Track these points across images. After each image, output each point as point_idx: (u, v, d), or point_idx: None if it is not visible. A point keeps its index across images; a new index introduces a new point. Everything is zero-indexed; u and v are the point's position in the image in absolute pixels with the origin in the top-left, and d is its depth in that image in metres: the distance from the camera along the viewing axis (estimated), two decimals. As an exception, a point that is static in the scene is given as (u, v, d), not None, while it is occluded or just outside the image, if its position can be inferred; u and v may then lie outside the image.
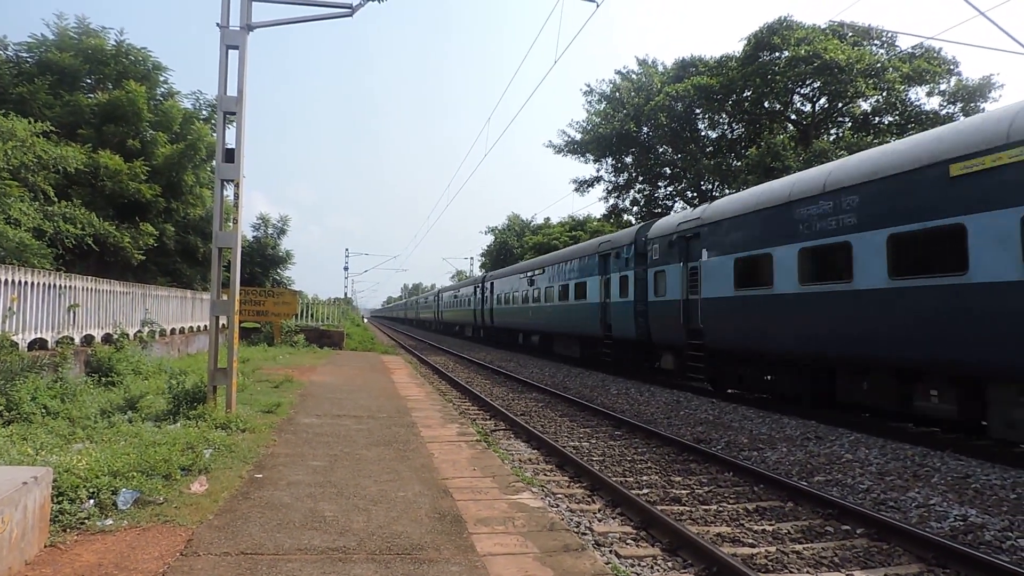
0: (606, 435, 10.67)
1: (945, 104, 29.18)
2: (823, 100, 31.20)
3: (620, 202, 43.39)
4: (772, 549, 5.50)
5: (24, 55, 18.63)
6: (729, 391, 14.68)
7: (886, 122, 30.73)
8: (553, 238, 51.01)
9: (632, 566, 5.15)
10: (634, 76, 40.44)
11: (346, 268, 64.19)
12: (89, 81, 19.73)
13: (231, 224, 9.34)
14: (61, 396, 8.72)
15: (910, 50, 28.87)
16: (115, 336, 12.98)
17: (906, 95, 29.48)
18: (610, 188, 43.21)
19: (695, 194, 37.72)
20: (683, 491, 7.35)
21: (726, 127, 36.89)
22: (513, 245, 60.99)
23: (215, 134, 10.93)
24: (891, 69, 28.02)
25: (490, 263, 63.30)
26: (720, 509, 6.67)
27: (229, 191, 9.75)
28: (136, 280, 16.70)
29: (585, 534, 5.82)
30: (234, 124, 9.37)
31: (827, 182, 10.74)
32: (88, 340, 12.31)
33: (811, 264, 11.01)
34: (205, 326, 20.29)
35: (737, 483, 7.72)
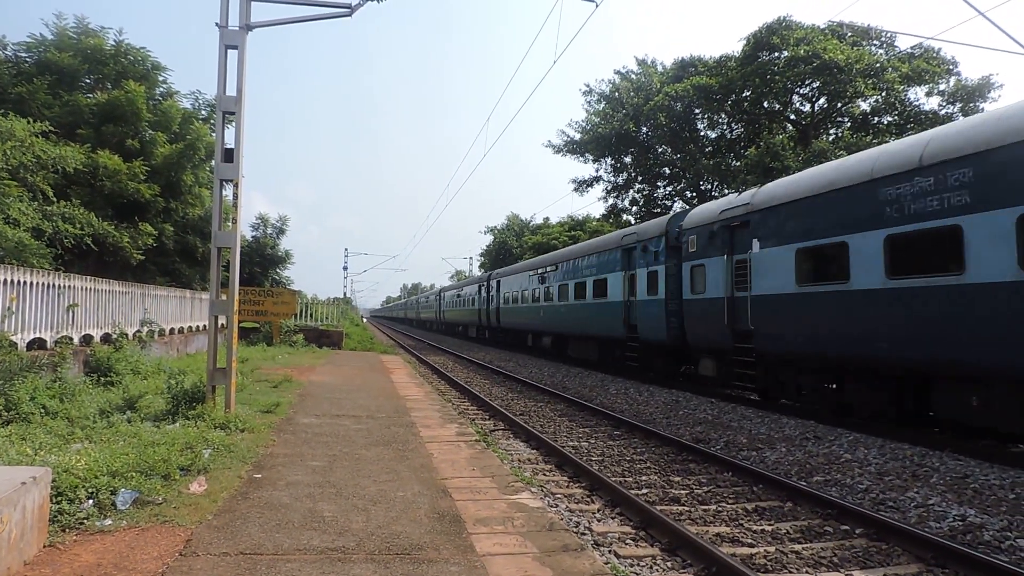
0: (605, 435, 10.67)
1: (944, 104, 29.22)
2: (822, 100, 31.22)
3: (619, 202, 43.44)
4: (771, 549, 5.50)
5: (23, 55, 18.64)
6: (783, 402, 12.72)
7: (885, 122, 30.76)
8: (552, 238, 51.05)
9: (631, 566, 5.15)
10: (633, 76, 40.45)
11: (345, 268, 64.25)
12: (88, 81, 19.74)
13: (230, 224, 9.34)
14: (60, 396, 8.71)
15: (909, 50, 28.89)
16: (114, 336, 12.97)
17: (905, 95, 29.51)
18: (609, 188, 43.23)
19: (694, 194, 37.73)
20: (682, 491, 7.35)
21: (725, 127, 36.91)
22: (512, 245, 61.02)
23: (214, 134, 10.95)
24: (890, 69, 28.03)
25: (489, 263, 63.32)
26: (719, 509, 6.67)
27: (228, 191, 9.75)
28: (135, 280, 16.69)
29: (584, 534, 5.82)
30: (233, 124, 9.37)
31: (925, 155, 8.99)
32: (87, 340, 12.30)
33: (903, 254, 9.29)
34: (204, 326, 20.28)
35: (736, 483, 7.72)
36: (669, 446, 9.61)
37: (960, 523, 6.09)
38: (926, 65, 27.97)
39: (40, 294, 10.56)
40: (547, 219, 62.00)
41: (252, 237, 32.83)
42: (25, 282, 10.09)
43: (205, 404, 8.62)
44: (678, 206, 39.16)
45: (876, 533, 5.85)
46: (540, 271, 26.45)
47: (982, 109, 27.57)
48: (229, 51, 9.00)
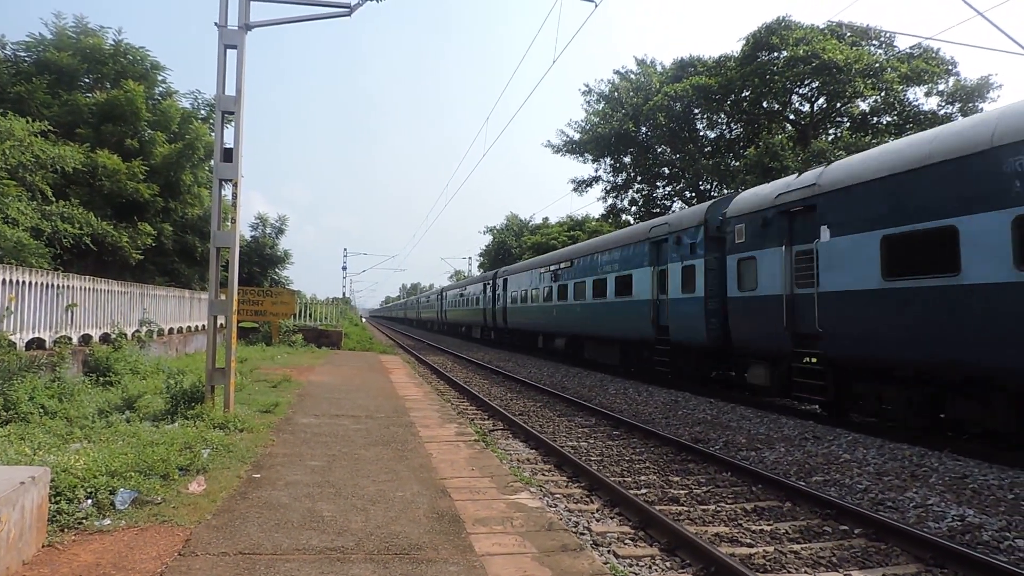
0: (604, 435, 10.67)
1: (943, 104, 29.25)
2: (821, 100, 31.25)
3: (618, 202, 43.47)
4: (770, 549, 5.51)
5: (22, 54, 18.64)
6: (855, 418, 11.19)
7: (884, 122, 30.78)
8: (551, 238, 51.05)
9: (630, 566, 5.15)
10: (633, 76, 40.47)
11: (344, 268, 64.10)
12: (87, 80, 19.74)
13: (229, 223, 9.33)
14: (59, 396, 8.71)
15: (908, 50, 28.91)
16: (113, 336, 12.96)
17: (904, 95, 29.54)
18: (608, 188, 43.25)
19: (693, 194, 37.74)
20: (681, 491, 7.35)
21: (724, 127, 36.94)
22: (511, 245, 61.03)
23: (213, 133, 10.92)
24: (889, 69, 28.06)
25: (488, 263, 63.30)
26: (718, 509, 6.67)
27: (227, 191, 9.75)
28: (134, 280, 16.68)
29: (583, 534, 5.82)
30: (232, 123, 9.37)
31: None
32: (86, 340, 12.29)
33: None
34: (203, 326, 20.27)
35: (735, 483, 7.73)
36: (668, 446, 9.62)
37: (959, 523, 6.09)
38: (925, 65, 28.00)
39: (39, 294, 10.55)
40: (546, 219, 62.04)
41: (251, 237, 32.80)
42: (24, 282, 10.08)
43: (204, 404, 8.62)
44: (677, 206, 39.18)
45: (875, 533, 5.85)
46: (553, 268, 24.71)
47: (981, 110, 27.60)
48: (228, 51, 9.00)
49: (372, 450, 7.55)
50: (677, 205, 39.47)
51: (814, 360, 11.12)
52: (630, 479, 7.88)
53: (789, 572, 5.10)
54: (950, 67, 28.68)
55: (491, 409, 12.82)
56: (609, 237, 21.26)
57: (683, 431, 10.79)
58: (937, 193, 8.75)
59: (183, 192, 20.53)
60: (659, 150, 39.51)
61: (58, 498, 4.73)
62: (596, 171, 43.33)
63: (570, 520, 6.19)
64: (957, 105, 28.55)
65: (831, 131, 32.79)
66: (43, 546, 4.20)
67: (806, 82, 29.44)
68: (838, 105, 30.92)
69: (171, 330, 17.88)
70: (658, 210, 38.95)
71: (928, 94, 29.84)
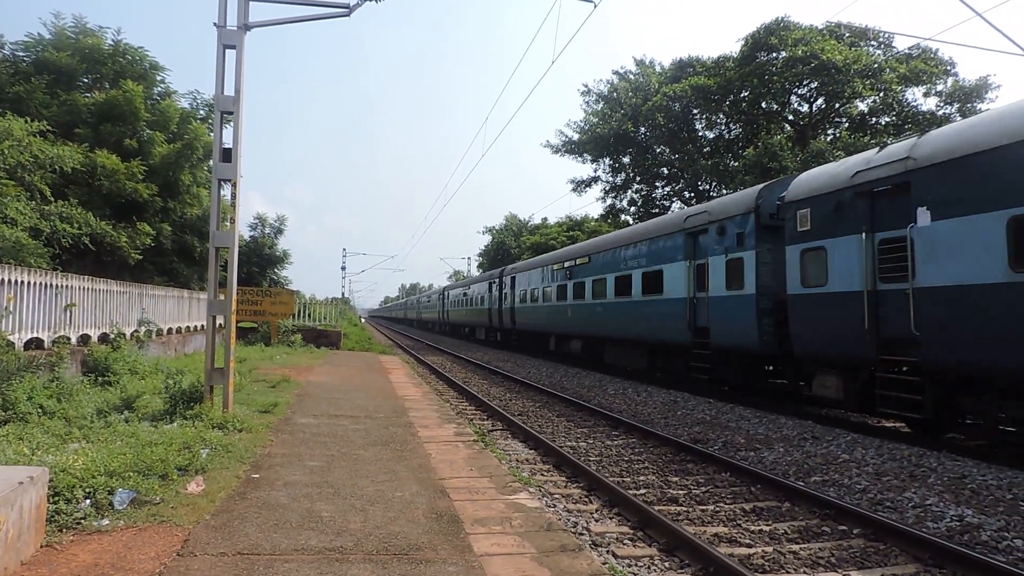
0: (603, 435, 10.67)
1: (942, 104, 29.29)
2: (820, 100, 31.30)
3: (617, 202, 43.52)
4: (769, 549, 5.51)
5: (21, 54, 18.62)
6: (958, 440, 9.57)
7: (883, 122, 30.83)
8: (551, 238, 51.08)
9: (629, 566, 5.15)
10: (632, 76, 40.50)
11: (343, 268, 63.99)
12: (86, 80, 19.72)
13: (228, 223, 9.33)
14: (57, 396, 8.70)
15: (907, 51, 28.97)
16: (112, 336, 12.95)
17: (903, 96, 29.59)
18: (607, 188, 43.29)
19: (692, 194, 37.78)
20: (680, 491, 7.35)
21: (723, 127, 36.98)
22: (511, 245, 61.03)
23: (212, 134, 10.92)
24: (888, 70, 28.11)
25: (487, 263, 63.31)
26: (717, 509, 6.67)
27: (226, 191, 9.75)
28: (133, 280, 16.67)
29: (582, 534, 5.82)
30: (231, 124, 9.37)
31: None
32: (84, 340, 12.28)
33: None
34: (202, 326, 20.25)
35: (734, 483, 7.73)
36: (667, 446, 9.62)
37: (957, 523, 6.10)
38: (924, 66, 28.06)
39: (37, 294, 10.54)
40: (545, 219, 62.06)
41: (250, 237, 32.80)
42: (22, 281, 10.07)
43: (203, 404, 8.62)
44: (676, 206, 39.20)
45: (874, 533, 5.86)
46: (568, 264, 22.88)
47: (980, 110, 27.63)
48: (227, 51, 9.00)
49: (371, 450, 7.54)
50: (676, 205, 39.52)
51: (905, 369, 9.40)
52: (629, 479, 7.88)
53: (788, 572, 5.10)
54: (949, 67, 28.75)
55: (490, 409, 12.82)
56: (634, 229, 19.19)
57: (682, 431, 10.79)
58: None
59: (182, 192, 20.52)
60: (658, 150, 39.55)
61: (56, 498, 4.72)
62: (595, 171, 43.42)
63: (569, 520, 6.19)
64: (956, 105, 28.61)
65: (830, 131, 32.84)
66: (41, 546, 4.20)
67: (805, 82, 29.50)
68: (837, 105, 30.97)
69: (170, 330, 17.87)
70: (657, 210, 38.97)
71: (927, 94, 29.92)
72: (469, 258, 78.07)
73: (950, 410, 9.23)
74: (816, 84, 29.17)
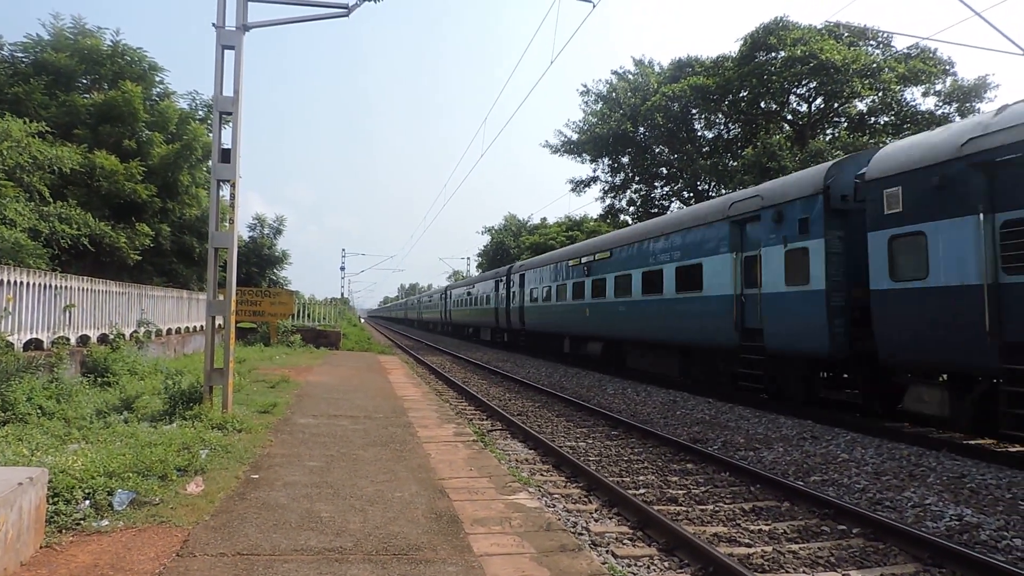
0: (603, 435, 10.67)
1: (940, 104, 29.30)
2: (819, 100, 31.30)
3: (616, 202, 43.52)
4: (768, 549, 5.51)
5: (20, 55, 18.62)
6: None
7: (882, 122, 30.84)
8: (550, 238, 51.06)
9: (629, 566, 5.16)
10: (630, 76, 40.50)
11: (343, 268, 64.01)
12: (85, 81, 19.72)
13: (227, 224, 9.33)
14: (57, 396, 8.70)
15: (906, 50, 28.98)
16: (111, 336, 12.94)
17: (902, 95, 29.59)
18: (606, 188, 43.29)
19: (691, 194, 37.79)
20: (680, 491, 7.36)
21: (722, 127, 36.99)
22: (510, 245, 61.01)
23: (211, 134, 10.92)
24: (887, 69, 28.11)
25: (487, 263, 63.27)
26: (717, 509, 6.68)
27: (225, 191, 9.75)
28: (132, 280, 16.66)
29: (582, 534, 5.82)
30: (230, 124, 9.37)
31: None
32: (84, 340, 12.27)
33: None
34: (201, 326, 20.25)
35: (734, 483, 7.73)
36: (667, 446, 9.62)
37: (957, 523, 6.10)
38: (922, 65, 28.05)
39: (37, 294, 10.54)
40: (544, 219, 62.05)
41: (249, 237, 32.83)
42: (22, 282, 10.07)
43: (202, 404, 8.62)
44: (675, 206, 39.22)
45: (873, 533, 5.86)
46: (585, 260, 21.23)
47: (979, 109, 27.65)
48: (226, 51, 9.00)
49: (370, 450, 7.54)
50: (675, 205, 39.52)
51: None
52: (628, 479, 7.88)
53: (787, 572, 5.11)
54: (947, 67, 28.74)
55: (489, 409, 12.82)
56: (665, 220, 17.52)
57: (681, 431, 10.80)
58: None
59: (181, 193, 20.51)
60: (657, 150, 39.55)
61: (56, 499, 4.73)
62: (594, 171, 43.40)
63: (568, 520, 6.19)
64: (954, 105, 28.61)
65: (829, 131, 32.86)
66: (41, 547, 4.20)
67: (804, 82, 29.50)
68: (836, 105, 30.98)
69: (169, 331, 17.87)
70: (656, 210, 38.98)
71: (925, 94, 29.91)
72: (468, 258, 78.10)
73: None
74: (815, 84, 29.17)
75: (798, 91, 30.99)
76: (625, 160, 40.99)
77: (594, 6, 13.23)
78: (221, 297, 9.14)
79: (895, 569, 5.19)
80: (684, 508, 6.70)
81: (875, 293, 9.82)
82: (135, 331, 14.93)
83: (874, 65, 28.09)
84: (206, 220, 14.29)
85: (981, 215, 8.24)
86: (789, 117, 33.19)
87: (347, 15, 9.79)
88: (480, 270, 65.14)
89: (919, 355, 9.28)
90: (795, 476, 7.95)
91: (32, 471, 4.21)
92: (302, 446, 7.64)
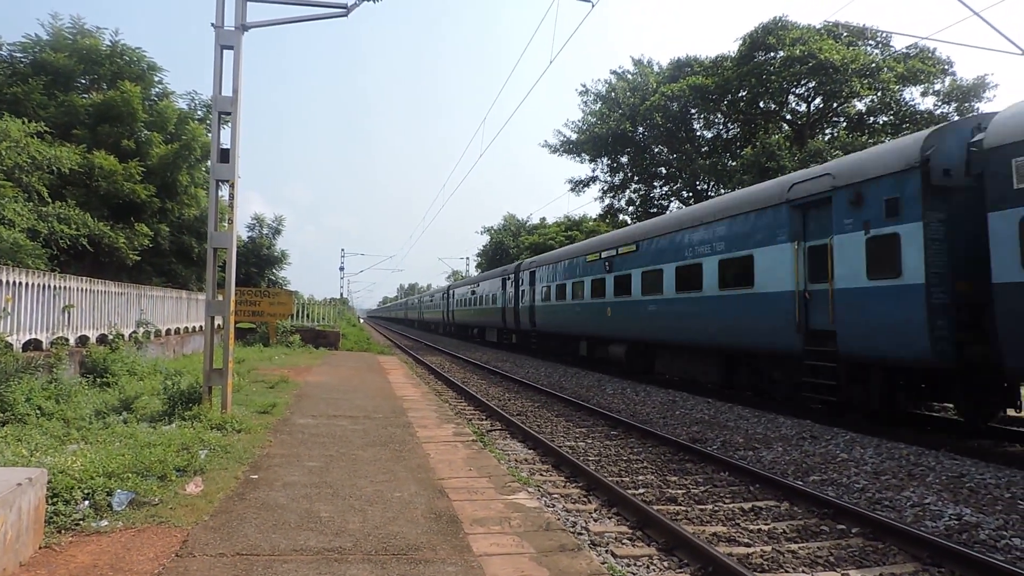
0: (602, 435, 10.68)
1: (939, 104, 29.32)
2: (818, 100, 31.32)
3: (616, 202, 43.54)
4: (768, 549, 5.51)
5: (18, 55, 18.59)
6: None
7: (881, 122, 30.87)
8: (549, 238, 51.09)
9: (628, 566, 5.16)
10: (629, 76, 40.51)
11: (342, 268, 63.98)
12: (84, 81, 19.70)
13: (226, 224, 9.33)
14: (56, 397, 8.69)
15: (904, 50, 28.99)
16: (110, 337, 12.94)
17: (901, 95, 29.62)
18: (606, 188, 43.31)
19: (691, 194, 37.81)
20: (679, 491, 7.36)
21: (721, 127, 37.01)
22: (509, 245, 61.03)
23: (210, 134, 10.91)
24: (886, 69, 28.13)
25: (486, 263, 63.27)
26: (716, 509, 6.68)
27: (224, 191, 9.75)
28: (131, 281, 16.66)
29: (581, 534, 5.82)
30: (229, 124, 9.36)
31: None
32: (83, 341, 12.27)
33: None
34: (200, 327, 20.24)
35: (733, 483, 7.73)
36: (666, 446, 9.62)
37: (956, 522, 6.11)
38: (921, 65, 28.08)
39: (36, 295, 10.53)
40: (543, 219, 62.09)
41: (248, 237, 32.83)
42: (20, 283, 10.06)
43: (201, 405, 8.61)
44: (674, 206, 39.22)
45: (872, 532, 5.86)
46: (606, 255, 19.59)
47: (978, 109, 27.67)
48: (225, 51, 9.00)
49: (370, 451, 7.54)
50: (674, 205, 39.53)
51: None
52: (628, 479, 7.88)
53: (787, 571, 5.11)
54: (946, 67, 28.76)
55: (489, 409, 12.82)
56: (704, 207, 15.33)
57: (681, 431, 10.80)
58: None
59: (180, 193, 20.50)
60: (656, 150, 39.56)
61: (55, 499, 4.72)
62: (593, 171, 43.43)
63: (568, 520, 6.19)
64: (953, 105, 28.64)
65: (827, 131, 32.88)
66: (40, 547, 4.19)
67: (803, 82, 29.51)
68: (835, 105, 31.00)
69: (168, 331, 17.85)
70: (655, 210, 38.99)
71: (924, 94, 29.94)
72: (467, 258, 78.10)
73: None
74: (814, 84, 29.19)
75: (797, 91, 31.01)
76: (624, 160, 41.00)
77: (593, 6, 13.24)
78: (220, 297, 9.14)
79: (894, 568, 5.19)
80: (683, 508, 6.70)
81: (999, 288, 8.13)
82: (134, 331, 14.92)
83: (873, 65, 28.11)
84: (205, 220, 14.29)
85: None
86: (788, 117, 33.21)
87: (346, 15, 9.79)
88: (479, 270, 65.13)
89: None
90: (794, 476, 7.96)
91: (31, 471, 4.20)
92: (301, 446, 7.64)
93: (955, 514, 6.28)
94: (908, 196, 9.39)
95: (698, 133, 37.97)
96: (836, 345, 10.35)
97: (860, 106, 31.34)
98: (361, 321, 69.72)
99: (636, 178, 41.74)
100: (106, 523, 4.68)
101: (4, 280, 9.59)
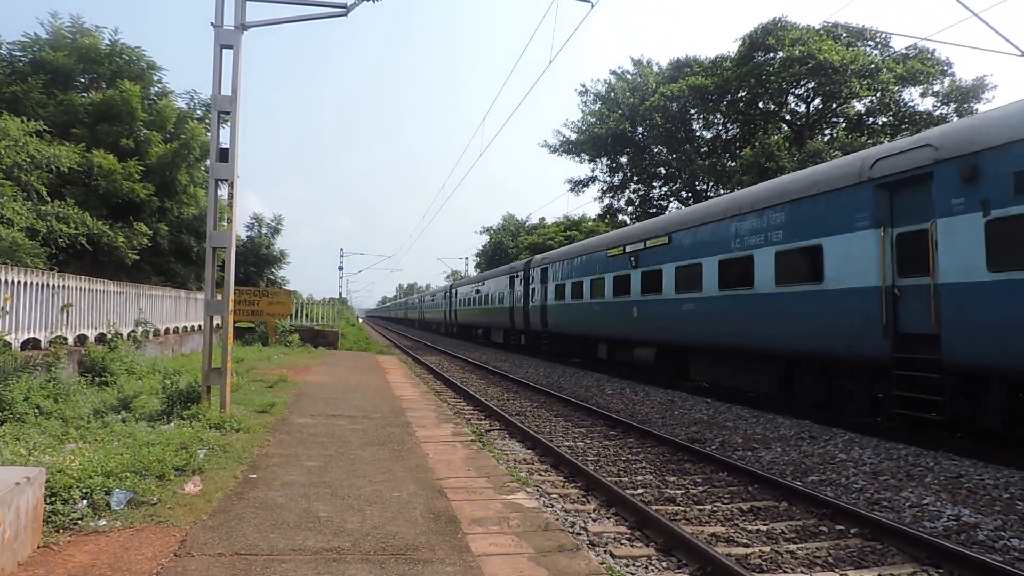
0: (601, 435, 10.68)
1: (939, 105, 29.36)
2: (817, 101, 31.36)
3: (615, 202, 43.57)
4: (766, 549, 5.52)
5: (18, 54, 18.58)
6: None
7: (880, 123, 30.90)
8: (548, 238, 51.11)
9: (627, 566, 5.16)
10: (629, 76, 40.54)
11: (341, 268, 63.95)
12: (83, 80, 19.69)
13: (225, 224, 9.32)
14: (54, 396, 8.68)
15: (904, 51, 29.04)
16: (109, 336, 12.93)
17: (900, 96, 29.65)
18: (605, 188, 43.35)
19: (690, 194, 37.83)
20: (678, 491, 7.36)
21: (721, 127, 37.05)
22: (508, 245, 61.05)
23: (209, 133, 10.90)
24: (885, 70, 28.18)
25: (485, 263, 63.28)
26: (715, 509, 6.68)
27: (223, 191, 9.74)
28: (130, 280, 16.64)
29: (580, 534, 5.82)
30: (228, 123, 9.36)
31: None
32: (81, 340, 12.26)
33: None
34: (199, 326, 20.23)
35: (731, 483, 7.74)
36: (665, 446, 9.63)
37: (954, 523, 6.11)
38: (920, 66, 28.12)
39: (34, 294, 10.52)
40: (543, 219, 62.12)
41: (247, 237, 32.83)
42: (19, 282, 10.05)
43: (200, 404, 8.61)
44: (673, 206, 39.24)
45: (871, 533, 5.86)
46: (631, 249, 17.73)
47: (977, 110, 27.69)
48: (224, 51, 8.99)
49: (368, 450, 7.54)
50: (673, 205, 39.56)
51: None
52: (627, 479, 7.88)
53: (785, 572, 5.11)
54: (945, 68, 28.81)
55: (488, 409, 12.82)
56: (754, 191, 13.37)
57: (679, 431, 10.80)
58: None
59: (179, 192, 20.49)
60: (655, 150, 39.59)
61: (53, 499, 4.72)
62: (593, 171, 43.48)
63: (567, 520, 6.19)
64: (952, 106, 28.67)
65: (827, 132, 32.91)
66: (38, 547, 4.19)
67: (802, 83, 29.56)
68: (834, 106, 31.03)
69: (167, 330, 17.84)
70: (654, 210, 39.00)
71: (923, 95, 30.00)
72: (466, 258, 78.10)
73: None
74: (813, 84, 29.23)
75: (796, 91, 31.05)
76: (623, 160, 41.05)
77: (592, 6, 13.24)
78: (219, 297, 9.14)
79: (893, 569, 5.19)
80: (682, 508, 6.70)
81: None
82: (133, 331, 14.91)
83: (872, 65, 28.15)
84: (204, 219, 14.30)
85: None
86: (787, 117, 33.24)
87: (345, 15, 9.79)
88: (478, 270, 65.12)
89: None
90: (793, 476, 7.96)
91: (29, 471, 4.20)
92: (300, 446, 7.64)
93: (953, 515, 6.29)
94: None
95: (697, 133, 38.01)
96: (939, 352, 8.59)
97: (859, 107, 31.39)
98: (360, 321, 69.71)
99: (635, 178, 41.79)
100: (104, 522, 4.67)
101: (3, 279, 9.58)
